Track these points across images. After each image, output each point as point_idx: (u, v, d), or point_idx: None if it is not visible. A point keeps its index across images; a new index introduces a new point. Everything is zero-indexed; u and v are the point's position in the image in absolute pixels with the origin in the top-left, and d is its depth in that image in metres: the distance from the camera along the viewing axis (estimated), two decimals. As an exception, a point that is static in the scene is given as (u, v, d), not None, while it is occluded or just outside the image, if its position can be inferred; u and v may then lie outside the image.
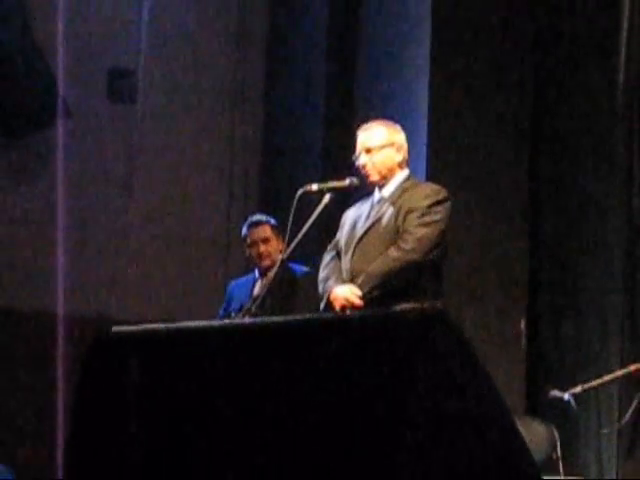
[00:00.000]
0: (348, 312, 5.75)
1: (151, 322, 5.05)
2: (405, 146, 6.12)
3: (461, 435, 4.11)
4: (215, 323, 6.10)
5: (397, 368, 4.11)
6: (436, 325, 4.19)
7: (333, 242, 6.19)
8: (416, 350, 4.11)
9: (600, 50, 8.42)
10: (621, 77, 8.16)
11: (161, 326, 4.68)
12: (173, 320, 5.04)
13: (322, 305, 5.97)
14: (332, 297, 5.88)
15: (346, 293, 5.81)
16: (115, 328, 4.66)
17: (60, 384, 7.91)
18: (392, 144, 6.05)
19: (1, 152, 9.40)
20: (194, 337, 4.62)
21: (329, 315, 5.67)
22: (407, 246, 5.80)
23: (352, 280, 5.88)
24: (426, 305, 5.45)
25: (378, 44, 9.25)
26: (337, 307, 5.83)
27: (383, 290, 5.79)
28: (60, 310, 8.63)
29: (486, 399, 4.24)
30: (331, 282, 5.98)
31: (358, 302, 5.78)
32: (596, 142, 8.39)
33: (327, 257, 6.15)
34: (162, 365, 4.50)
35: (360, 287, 5.81)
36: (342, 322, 4.98)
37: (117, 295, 9.24)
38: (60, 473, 7.41)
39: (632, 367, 7.43)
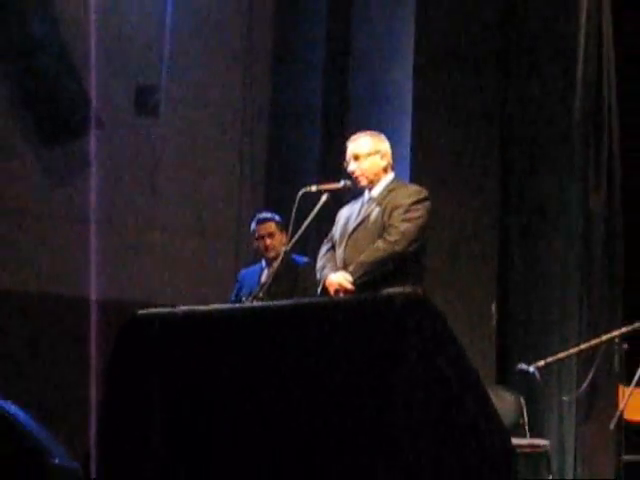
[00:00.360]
0: (341, 295, 5.75)
1: (172, 306, 5.03)
2: (389, 153, 6.13)
3: (442, 402, 4.17)
4: (228, 306, 6.15)
5: (385, 343, 4.18)
6: (419, 307, 4.28)
7: (329, 236, 6.19)
8: (402, 328, 4.18)
9: (559, 66, 8.40)
10: (578, 90, 8.17)
11: (181, 308, 4.74)
12: (191, 304, 5.04)
13: (319, 290, 5.96)
14: (327, 283, 5.88)
15: (339, 279, 5.81)
16: (142, 311, 4.75)
17: (93, 361, 7.88)
18: (377, 152, 6.06)
19: (43, 157, 9.29)
20: (209, 318, 4.67)
21: (326, 299, 5.68)
22: (392, 239, 5.81)
23: (345, 268, 5.88)
24: (410, 290, 5.31)
25: (368, 65, 9.16)
26: (332, 291, 5.83)
27: (371, 276, 5.78)
28: (93, 296, 8.62)
29: (463, 371, 4.32)
30: (327, 270, 5.98)
31: (350, 287, 5.77)
32: (556, 147, 8.40)
33: (324, 249, 6.16)
34: (181, 341, 4.57)
35: (352, 274, 5.80)
36: (337, 304, 5.07)
37: (142, 282, 9.15)
38: (93, 436, 7.39)
39: (586, 344, 7.55)
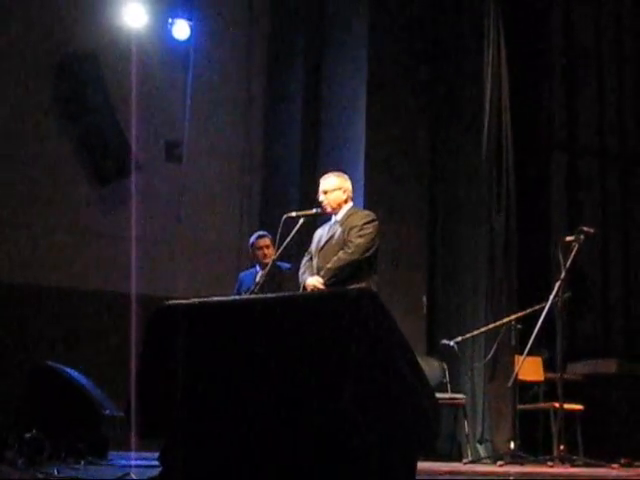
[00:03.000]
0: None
1: (190, 298, 5.06)
2: (350, 188, 6.09)
3: (385, 368, 4.11)
4: (231, 298, 6.13)
5: (342, 325, 4.12)
6: (368, 300, 4.22)
7: (308, 250, 6.16)
8: (355, 314, 4.13)
9: (471, 122, 8.39)
10: (484, 141, 8.13)
11: (196, 300, 4.69)
12: (204, 296, 5.04)
13: (300, 289, 5.94)
14: (306, 284, 5.88)
15: (314, 281, 5.82)
16: (169, 302, 4.75)
17: (132, 340, 7.86)
18: (340, 188, 6.04)
19: (96, 192, 9.28)
20: (220, 307, 4.65)
21: (298, 293, 5.70)
22: (349, 250, 5.81)
23: (318, 273, 5.88)
24: (362, 287, 5.41)
25: (333, 119, 9.17)
26: (308, 290, 5.82)
27: (337, 279, 5.77)
28: (133, 291, 8.53)
29: (401, 347, 4.27)
30: (305, 275, 5.98)
31: (321, 287, 5.76)
32: (470, 180, 8.37)
33: (304, 260, 6.14)
34: (198, 324, 4.53)
35: (323, 277, 5.81)
36: (309, 297, 5.05)
37: (169, 281, 9.10)
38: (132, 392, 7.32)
39: (491, 325, 7.61)
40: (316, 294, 5.44)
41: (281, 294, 5.79)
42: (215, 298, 4.82)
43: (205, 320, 4.60)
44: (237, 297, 6.61)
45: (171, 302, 4.76)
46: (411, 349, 4.36)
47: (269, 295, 5.50)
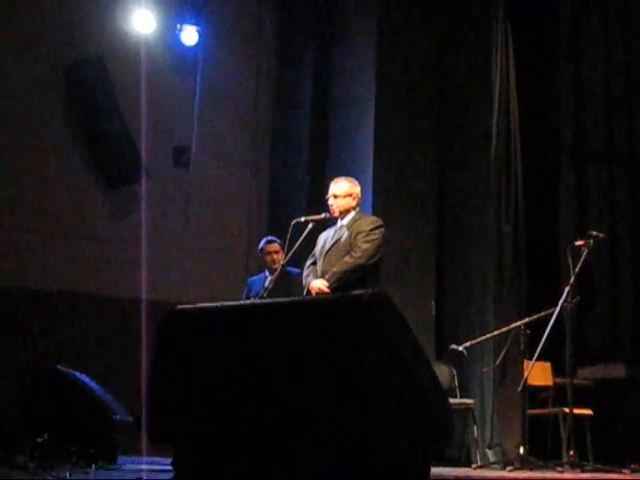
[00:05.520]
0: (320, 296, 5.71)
1: (199, 303, 5.07)
2: (359, 195, 6.10)
3: (401, 373, 4.12)
4: (233, 303, 6.12)
5: (356, 329, 4.11)
6: (382, 304, 4.22)
7: (312, 253, 6.16)
8: (368, 319, 4.13)
9: (480, 132, 8.35)
10: (493, 150, 8.11)
11: (206, 304, 4.72)
12: (213, 301, 5.05)
13: (305, 292, 5.95)
14: (310, 287, 5.88)
15: (319, 284, 5.82)
16: (179, 306, 4.76)
17: (142, 350, 7.83)
18: (350, 194, 6.05)
19: (106, 198, 9.32)
20: (227, 311, 4.63)
21: (313, 297, 5.68)
22: (356, 255, 5.82)
23: (322, 276, 5.88)
24: (375, 291, 5.43)
25: (341, 132, 9.18)
26: (313, 293, 5.84)
27: (341, 282, 5.76)
28: (143, 296, 8.58)
29: (415, 351, 4.27)
30: (310, 278, 5.97)
31: (326, 290, 5.77)
32: (478, 188, 8.33)
33: (308, 262, 6.14)
34: (208, 328, 4.54)
35: (327, 280, 5.81)
36: (322, 301, 5.01)
37: (178, 286, 9.14)
38: (142, 398, 7.31)
39: (500, 330, 7.56)
40: (328, 298, 5.39)
41: (293, 298, 5.70)
42: (227, 302, 4.84)
43: (217, 325, 4.61)
44: (248, 301, 6.63)
45: (182, 307, 4.77)
46: (425, 353, 4.36)
47: (282, 299, 5.41)
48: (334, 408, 4.04)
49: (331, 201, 6.07)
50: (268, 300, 5.88)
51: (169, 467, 4.61)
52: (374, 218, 6.10)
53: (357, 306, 4.23)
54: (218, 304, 4.77)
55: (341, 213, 6.07)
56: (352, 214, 6.08)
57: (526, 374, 6.86)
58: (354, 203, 6.09)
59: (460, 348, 7.45)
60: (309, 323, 4.33)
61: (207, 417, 4.39)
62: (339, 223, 6.10)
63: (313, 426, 4.09)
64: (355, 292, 5.25)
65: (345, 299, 4.61)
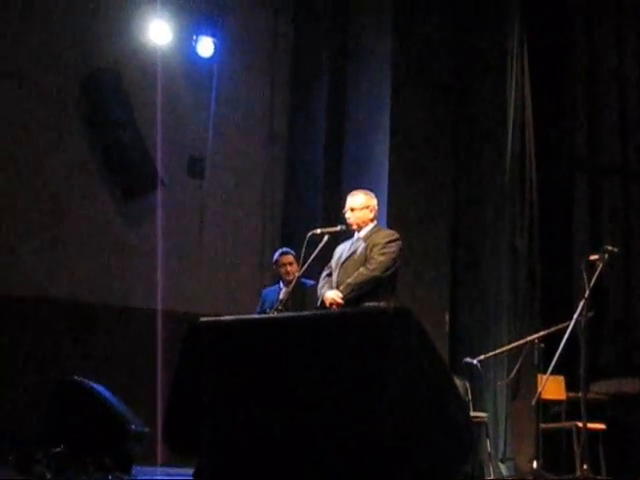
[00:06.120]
0: (334, 307, 5.71)
1: (216, 315, 5.05)
2: (376, 207, 6.12)
3: (424, 386, 4.15)
4: (258, 316, 6.11)
5: (378, 342, 4.14)
6: (405, 318, 4.26)
7: (328, 265, 6.16)
8: (391, 331, 4.16)
9: (495, 145, 8.42)
10: (508, 164, 8.16)
11: (226, 317, 4.75)
12: (228, 314, 5.02)
13: (319, 303, 5.92)
14: (324, 298, 5.86)
15: (333, 295, 5.81)
16: (203, 319, 4.75)
17: (159, 359, 7.83)
18: (367, 207, 6.08)
19: (123, 207, 9.31)
20: (251, 324, 4.64)
21: (332, 311, 5.64)
22: (372, 267, 5.82)
23: (337, 287, 5.87)
24: (397, 305, 5.35)
25: (357, 143, 9.21)
26: (327, 304, 5.80)
27: (356, 294, 5.76)
28: (159, 307, 8.63)
29: (438, 364, 4.32)
30: (324, 289, 5.96)
31: (340, 301, 5.76)
32: (493, 203, 8.38)
33: (324, 274, 6.14)
34: (231, 340, 4.56)
35: (342, 292, 5.80)
36: (342, 314, 5.04)
37: (193, 298, 9.14)
38: (159, 408, 7.30)
39: (514, 344, 7.57)
40: (352, 311, 5.38)
41: (316, 311, 5.77)
42: (251, 315, 4.96)
43: (240, 337, 4.64)
44: (272, 315, 6.65)
45: (205, 319, 4.78)
46: (447, 367, 4.50)
47: (305, 313, 5.56)
48: (359, 423, 4.06)
49: (348, 214, 6.09)
50: (293, 313, 5.88)
51: (187, 477, 4.62)
52: (391, 232, 6.12)
53: (381, 320, 4.28)
54: (242, 317, 4.84)
55: (359, 226, 6.09)
56: (370, 226, 6.11)
57: (540, 388, 6.83)
58: (371, 215, 6.11)
59: (474, 361, 7.43)
60: (333, 337, 4.38)
61: (229, 428, 4.41)
62: (356, 235, 6.12)
63: (337, 441, 4.11)
64: (379, 306, 5.43)
65: (368, 313, 4.67)
